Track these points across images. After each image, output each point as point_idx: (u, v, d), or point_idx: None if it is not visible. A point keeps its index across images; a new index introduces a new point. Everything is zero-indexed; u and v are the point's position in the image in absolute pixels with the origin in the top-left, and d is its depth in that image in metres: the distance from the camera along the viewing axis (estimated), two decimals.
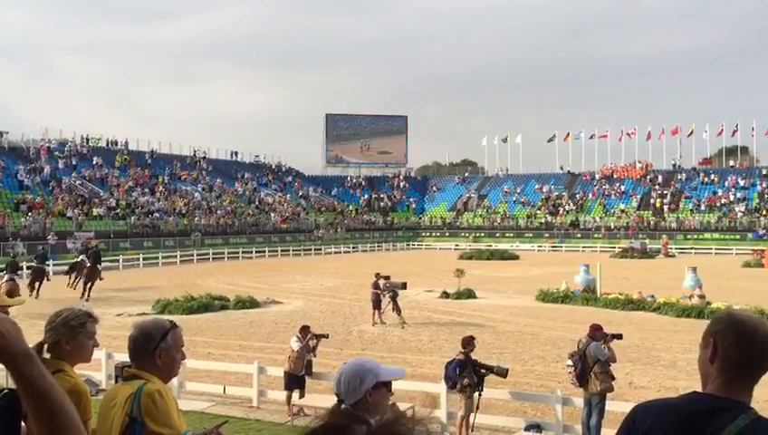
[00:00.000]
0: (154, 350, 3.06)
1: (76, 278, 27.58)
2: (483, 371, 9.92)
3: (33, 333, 3.39)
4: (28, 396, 1.60)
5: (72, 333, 3.28)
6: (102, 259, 29.82)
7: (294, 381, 11.08)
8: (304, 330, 11.57)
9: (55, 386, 1.62)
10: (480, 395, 9.88)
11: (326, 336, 11.92)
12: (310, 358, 11.36)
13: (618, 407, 9.47)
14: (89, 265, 27.28)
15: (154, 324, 3.17)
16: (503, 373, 9.94)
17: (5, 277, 24.20)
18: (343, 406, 2.59)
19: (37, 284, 26.60)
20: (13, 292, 23.39)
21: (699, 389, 2.11)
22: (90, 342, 3.36)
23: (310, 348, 11.39)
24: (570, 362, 9.70)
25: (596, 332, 9.91)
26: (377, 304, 20.09)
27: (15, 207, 46.16)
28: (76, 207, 49.10)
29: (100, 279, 27.48)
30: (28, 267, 30.84)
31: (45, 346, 3.23)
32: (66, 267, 30.33)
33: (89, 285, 26.50)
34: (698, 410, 1.97)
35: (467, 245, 62.69)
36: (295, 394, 11.10)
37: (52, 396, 1.60)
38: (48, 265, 28.63)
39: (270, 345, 16.59)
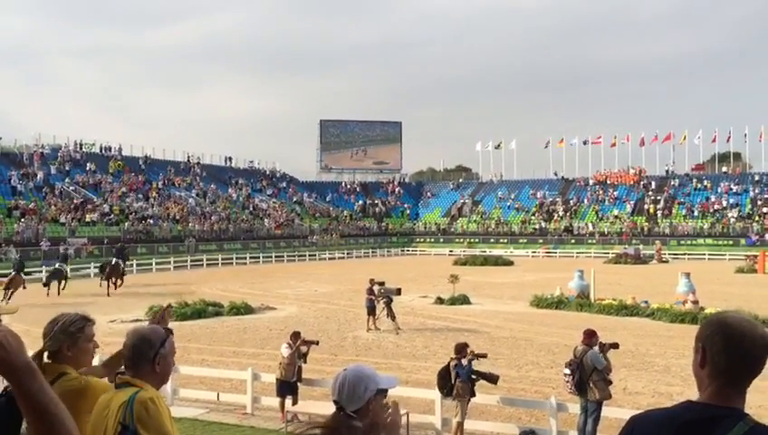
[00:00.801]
0: (154, 356, 3.05)
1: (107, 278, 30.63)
2: (474, 376, 9.94)
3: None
4: (28, 408, 1.61)
5: (72, 339, 3.30)
6: (128, 259, 35.58)
7: (286, 387, 11.05)
8: (295, 336, 11.55)
9: (55, 399, 1.62)
10: (469, 401, 9.92)
11: (316, 343, 11.89)
12: (300, 364, 11.33)
13: (612, 413, 9.48)
14: (113, 262, 31.12)
15: (152, 331, 3.17)
16: (494, 380, 9.96)
17: (12, 274, 27.76)
18: (343, 413, 2.58)
19: (55, 282, 29.34)
20: (15, 283, 25.38)
21: (694, 394, 2.11)
22: (90, 345, 3.40)
23: (300, 354, 11.36)
24: (567, 371, 9.68)
25: (590, 337, 9.91)
26: (371, 310, 20.06)
27: (8, 212, 46.02)
28: (69, 212, 48.96)
29: (123, 275, 31.42)
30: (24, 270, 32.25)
31: (45, 353, 3.24)
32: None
33: (113, 281, 30.02)
34: (695, 420, 1.96)
35: (462, 250, 62.72)
36: (288, 401, 11.06)
37: (51, 410, 1.60)
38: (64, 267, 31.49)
39: (264, 352, 16.53)
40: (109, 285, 29.50)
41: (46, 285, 29.33)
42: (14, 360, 1.55)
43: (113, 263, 30.80)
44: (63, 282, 30.29)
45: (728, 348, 1.99)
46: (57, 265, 31.51)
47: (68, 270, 31.89)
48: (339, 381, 2.66)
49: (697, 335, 2.09)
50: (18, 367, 1.56)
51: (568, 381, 9.68)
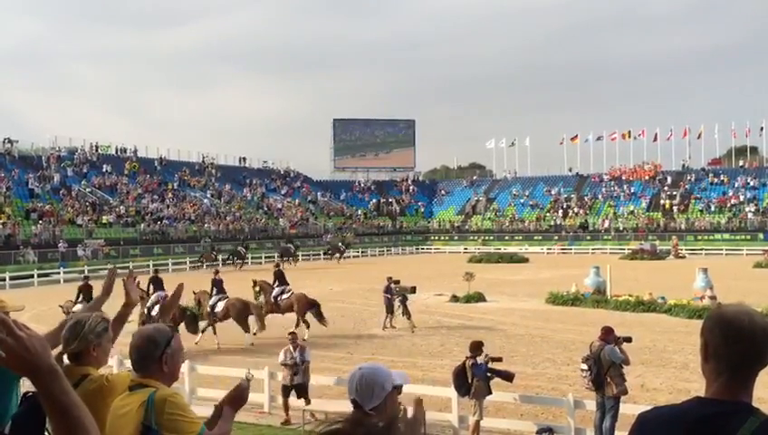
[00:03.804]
0: (160, 356, 3.07)
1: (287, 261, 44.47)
2: (489, 374, 9.93)
3: None
4: (50, 410, 1.65)
5: (99, 340, 3.37)
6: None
7: (289, 389, 11.18)
8: (292, 335, 11.62)
9: (77, 403, 1.65)
10: (484, 398, 9.92)
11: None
12: (301, 365, 11.29)
13: (630, 410, 9.42)
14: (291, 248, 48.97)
15: (157, 331, 3.18)
16: (510, 378, 9.93)
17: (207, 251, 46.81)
18: (361, 411, 2.59)
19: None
20: (207, 258, 43.88)
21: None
22: (110, 345, 3.47)
23: (302, 360, 11.34)
24: (585, 367, 9.62)
25: (608, 334, 9.87)
26: (390, 309, 20.07)
27: (26, 215, 46.46)
28: (86, 214, 49.37)
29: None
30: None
31: (65, 356, 3.28)
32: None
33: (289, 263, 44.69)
34: (704, 417, 1.94)
35: (476, 248, 62.58)
36: (300, 401, 11.14)
37: (73, 413, 1.63)
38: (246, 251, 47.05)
39: (280, 351, 16.56)
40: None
41: (282, 259, 43.03)
42: (38, 362, 1.58)
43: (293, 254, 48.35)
44: (293, 260, 46.32)
45: (728, 341, 1.97)
46: (288, 246, 48.40)
47: (294, 250, 49.04)
48: (356, 380, 2.66)
49: (701, 331, 2.08)
50: (42, 369, 1.59)
51: (585, 377, 9.65)
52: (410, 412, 2.88)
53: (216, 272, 20.78)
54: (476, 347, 10.13)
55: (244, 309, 18.43)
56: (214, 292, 19.01)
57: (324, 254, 55.32)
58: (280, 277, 19.77)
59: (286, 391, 11.20)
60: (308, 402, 11.16)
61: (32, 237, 43.32)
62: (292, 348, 11.33)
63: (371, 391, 2.60)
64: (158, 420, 2.86)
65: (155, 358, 3.06)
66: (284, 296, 19.40)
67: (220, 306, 18.52)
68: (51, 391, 1.61)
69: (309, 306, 19.10)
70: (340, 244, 55.87)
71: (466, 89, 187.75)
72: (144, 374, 3.06)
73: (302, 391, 11.18)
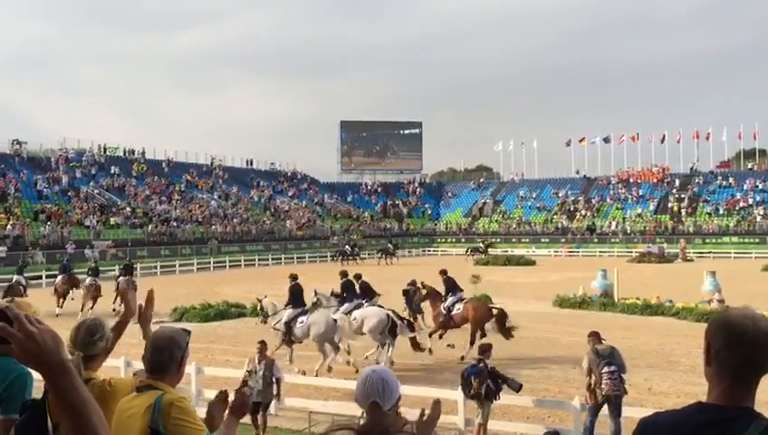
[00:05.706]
0: (181, 358, 3.08)
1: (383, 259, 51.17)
2: (499, 380, 9.89)
3: None
4: (60, 407, 1.66)
5: (109, 344, 3.40)
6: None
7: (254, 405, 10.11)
8: (261, 345, 10.81)
9: (87, 400, 1.65)
10: (492, 402, 9.87)
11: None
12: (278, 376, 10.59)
13: (636, 413, 9.39)
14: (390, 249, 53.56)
15: (176, 333, 3.18)
16: (516, 387, 9.88)
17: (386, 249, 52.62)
18: (382, 411, 2.65)
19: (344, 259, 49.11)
20: (388, 254, 49.88)
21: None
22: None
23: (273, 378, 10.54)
24: (614, 368, 9.51)
25: (599, 337, 9.95)
26: (413, 310, 20.23)
27: (34, 216, 46.68)
28: (94, 215, 49.56)
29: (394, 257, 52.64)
30: None
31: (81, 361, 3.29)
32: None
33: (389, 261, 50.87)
34: (706, 422, 1.92)
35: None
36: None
37: (81, 410, 1.64)
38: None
39: (287, 352, 16.57)
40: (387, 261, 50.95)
41: (381, 258, 51.30)
42: (48, 357, 1.59)
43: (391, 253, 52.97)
44: (393, 257, 51.88)
45: (731, 345, 1.95)
46: (388, 245, 53.71)
47: (393, 249, 53.34)
48: (374, 382, 2.71)
49: (704, 334, 2.07)
50: (51, 365, 1.60)
51: (616, 379, 9.49)
52: (427, 413, 2.92)
53: (130, 261, 31.09)
54: (485, 350, 10.12)
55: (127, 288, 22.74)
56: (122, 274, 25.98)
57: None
58: (64, 270, 26.28)
59: (254, 406, 9.97)
60: (264, 424, 10.39)
61: (40, 239, 43.55)
62: (257, 359, 10.47)
63: (391, 391, 2.69)
64: (164, 424, 2.85)
65: (176, 359, 3.06)
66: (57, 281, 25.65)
67: (122, 282, 24.79)
68: (61, 387, 1.61)
69: (64, 293, 25.17)
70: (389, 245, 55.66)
71: (473, 91, 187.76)
72: (158, 376, 3.03)
73: (261, 410, 10.28)
